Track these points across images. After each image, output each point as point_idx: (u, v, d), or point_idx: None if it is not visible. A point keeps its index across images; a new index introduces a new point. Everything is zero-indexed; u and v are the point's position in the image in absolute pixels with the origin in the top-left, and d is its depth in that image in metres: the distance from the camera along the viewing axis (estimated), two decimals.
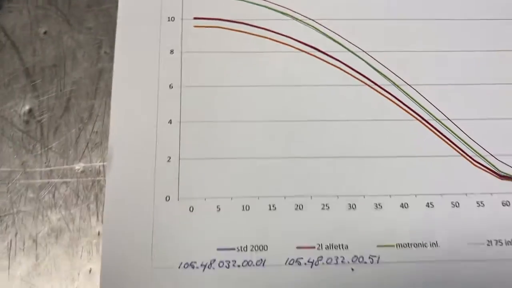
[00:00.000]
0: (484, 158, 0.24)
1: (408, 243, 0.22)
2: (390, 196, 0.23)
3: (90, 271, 0.22)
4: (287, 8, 0.26)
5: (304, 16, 0.26)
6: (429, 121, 0.24)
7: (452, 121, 0.24)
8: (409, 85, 0.25)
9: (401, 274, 0.22)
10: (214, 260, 0.22)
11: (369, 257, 0.22)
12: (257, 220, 0.23)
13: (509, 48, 0.26)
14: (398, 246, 0.22)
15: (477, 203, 0.23)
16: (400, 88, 0.25)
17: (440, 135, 0.24)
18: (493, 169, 0.24)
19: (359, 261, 0.22)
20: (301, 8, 0.26)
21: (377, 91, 0.25)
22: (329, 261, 0.22)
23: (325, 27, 0.26)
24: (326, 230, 0.23)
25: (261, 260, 0.22)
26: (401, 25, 0.26)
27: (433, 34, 0.26)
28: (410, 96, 0.25)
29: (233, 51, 0.25)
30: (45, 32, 0.25)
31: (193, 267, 0.22)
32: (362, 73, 0.25)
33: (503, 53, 0.26)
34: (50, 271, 0.21)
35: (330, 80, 0.25)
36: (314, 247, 0.22)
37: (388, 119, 0.24)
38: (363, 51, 0.25)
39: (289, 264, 0.22)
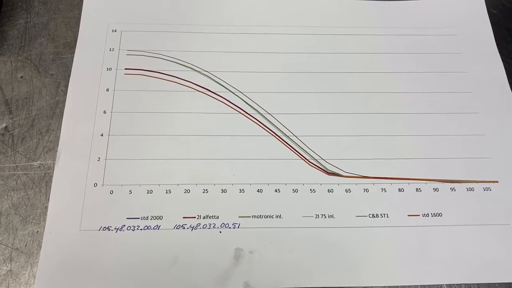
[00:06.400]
0: (317, 160, 0.35)
1: (260, 215, 0.33)
2: (250, 184, 0.34)
3: (37, 232, 0.31)
4: (190, 63, 0.38)
5: (201, 68, 0.38)
6: (281, 136, 0.36)
7: (297, 137, 0.36)
8: (270, 113, 0.37)
9: (254, 235, 0.32)
10: (124, 225, 0.32)
11: (233, 224, 0.32)
12: (157, 199, 0.33)
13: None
14: (253, 217, 0.33)
15: (310, 190, 0.34)
16: (263, 116, 0.37)
17: (288, 145, 0.36)
18: (323, 168, 0.35)
19: (225, 226, 0.32)
20: (199, 64, 0.38)
21: (247, 117, 0.36)
22: (204, 226, 0.32)
23: (215, 76, 0.38)
24: (204, 206, 0.33)
25: (157, 225, 0.32)
26: (263, 75, 0.38)
27: (286, 82, 0.38)
28: (269, 121, 0.36)
29: (151, 90, 0.37)
30: (21, 76, 0.36)
31: (109, 230, 0.32)
32: (238, 105, 0.37)
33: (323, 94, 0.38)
34: (9, 231, 0.31)
35: (217, 109, 0.37)
36: (195, 217, 0.33)
37: (254, 135, 0.36)
38: (240, 92, 0.37)
39: (176, 228, 0.32)
